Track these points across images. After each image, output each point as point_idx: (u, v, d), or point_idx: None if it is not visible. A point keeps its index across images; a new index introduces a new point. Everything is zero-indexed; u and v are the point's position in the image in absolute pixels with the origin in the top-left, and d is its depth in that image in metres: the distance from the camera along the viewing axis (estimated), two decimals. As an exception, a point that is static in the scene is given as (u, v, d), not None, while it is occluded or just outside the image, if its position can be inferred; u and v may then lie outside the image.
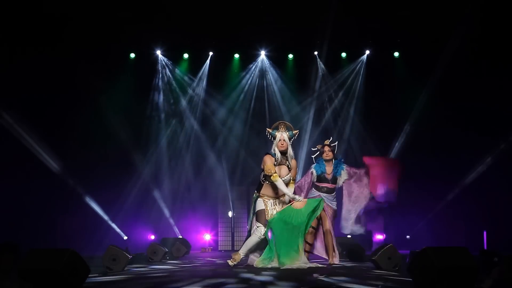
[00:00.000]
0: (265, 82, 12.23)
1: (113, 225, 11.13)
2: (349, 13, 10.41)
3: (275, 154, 6.34)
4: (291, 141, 6.39)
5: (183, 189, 11.77)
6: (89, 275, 4.50)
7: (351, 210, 7.28)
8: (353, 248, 7.82)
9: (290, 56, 12.16)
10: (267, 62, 12.23)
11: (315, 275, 5.27)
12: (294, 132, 6.42)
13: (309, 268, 6.02)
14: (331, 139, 7.30)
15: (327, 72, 12.10)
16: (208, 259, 8.41)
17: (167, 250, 8.13)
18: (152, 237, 11.44)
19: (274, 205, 6.30)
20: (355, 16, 10.55)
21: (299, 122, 11.96)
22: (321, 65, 12.07)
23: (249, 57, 12.21)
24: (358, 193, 7.27)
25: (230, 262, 6.31)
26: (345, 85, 12.11)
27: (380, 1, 10.28)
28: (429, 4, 10.12)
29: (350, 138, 11.93)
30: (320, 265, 6.33)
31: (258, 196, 6.36)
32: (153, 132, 12.02)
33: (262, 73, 12.25)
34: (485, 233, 10.60)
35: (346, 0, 10.08)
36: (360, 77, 12.02)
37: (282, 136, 6.34)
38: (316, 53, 12.04)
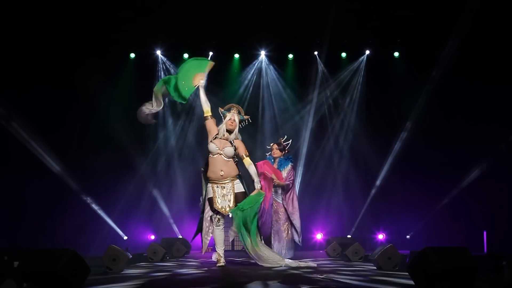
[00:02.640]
0: (265, 82, 12.22)
1: (113, 225, 11.12)
2: (349, 13, 10.41)
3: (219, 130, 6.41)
4: (241, 124, 6.52)
5: (183, 189, 11.76)
6: (89, 275, 4.50)
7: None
8: (353, 248, 7.82)
9: (290, 56, 12.15)
10: (267, 62, 12.23)
11: (315, 275, 5.27)
12: (245, 117, 6.58)
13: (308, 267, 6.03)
14: (285, 137, 7.59)
15: (327, 72, 12.10)
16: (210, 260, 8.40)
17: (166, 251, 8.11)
18: (152, 237, 11.44)
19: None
20: (355, 16, 10.55)
21: (300, 122, 11.97)
22: (321, 65, 12.06)
23: (249, 57, 12.21)
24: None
25: (220, 264, 6.32)
26: (345, 85, 12.12)
27: (380, 1, 10.28)
28: (429, 4, 10.12)
29: (351, 138, 11.93)
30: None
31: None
32: (153, 132, 12.02)
33: (262, 73, 12.24)
34: (485, 233, 10.60)
35: (346, 0, 10.09)
36: (360, 77, 12.02)
37: (233, 116, 6.48)
38: (316, 53, 12.04)
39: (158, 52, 12.04)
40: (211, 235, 6.45)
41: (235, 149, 6.32)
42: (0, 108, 9.75)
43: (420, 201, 11.08)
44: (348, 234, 11.20)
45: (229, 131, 6.42)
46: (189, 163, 11.88)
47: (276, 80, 12.20)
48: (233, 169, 6.31)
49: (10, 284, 3.94)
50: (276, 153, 7.61)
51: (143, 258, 7.78)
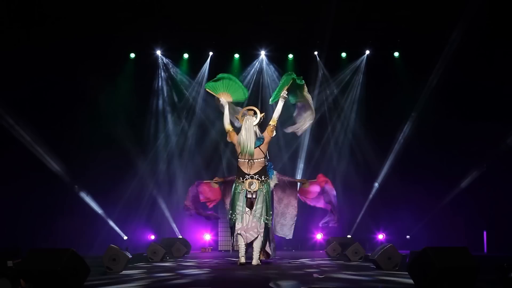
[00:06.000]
0: (265, 82, 12.22)
1: (113, 225, 11.13)
2: (349, 13, 10.42)
3: None
4: None
5: (183, 189, 11.75)
6: (89, 275, 4.50)
7: (285, 214, 7.49)
8: (353, 248, 7.82)
9: (290, 56, 12.15)
10: (267, 62, 12.23)
11: (315, 275, 5.27)
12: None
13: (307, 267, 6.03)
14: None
15: (327, 72, 12.10)
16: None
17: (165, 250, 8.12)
18: (152, 237, 11.44)
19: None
20: (355, 16, 10.55)
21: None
22: (321, 65, 12.06)
23: (249, 57, 12.21)
24: (287, 201, 7.51)
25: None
26: (345, 85, 12.12)
27: (380, 1, 10.28)
28: (429, 4, 10.13)
29: (350, 138, 11.93)
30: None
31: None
32: (153, 132, 12.02)
33: (262, 73, 12.24)
34: (485, 233, 10.61)
35: (346, 0, 10.09)
36: (360, 77, 12.02)
37: None
38: (316, 53, 12.04)
39: (158, 52, 12.04)
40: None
41: None
42: (0, 109, 9.75)
43: (420, 201, 11.07)
44: (348, 234, 11.19)
45: None
46: (190, 162, 11.89)
47: (276, 80, 12.19)
48: None
49: (4, 283, 3.93)
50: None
51: (143, 258, 7.78)
